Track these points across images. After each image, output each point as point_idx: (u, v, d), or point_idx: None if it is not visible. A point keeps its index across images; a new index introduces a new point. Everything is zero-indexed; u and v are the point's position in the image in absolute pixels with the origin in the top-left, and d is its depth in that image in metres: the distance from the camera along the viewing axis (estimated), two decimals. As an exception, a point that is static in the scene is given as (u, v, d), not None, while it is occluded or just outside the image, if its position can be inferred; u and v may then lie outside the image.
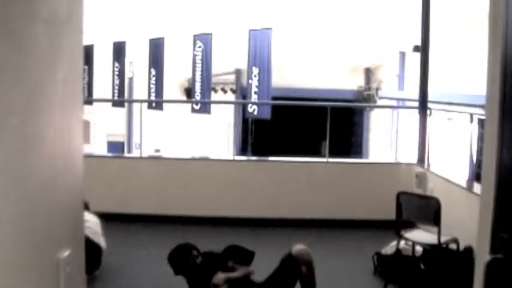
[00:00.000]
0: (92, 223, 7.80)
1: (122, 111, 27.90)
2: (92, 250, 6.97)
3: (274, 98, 19.13)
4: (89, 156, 10.59)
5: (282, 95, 21.24)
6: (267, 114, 18.34)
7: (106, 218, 9.53)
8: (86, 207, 8.08)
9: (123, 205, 9.74)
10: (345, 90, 25.23)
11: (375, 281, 7.92)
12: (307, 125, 25.50)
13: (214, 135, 26.69)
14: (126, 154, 12.09)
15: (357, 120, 27.58)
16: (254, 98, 17.86)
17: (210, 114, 19.97)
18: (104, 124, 28.60)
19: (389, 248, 7.98)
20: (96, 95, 24.25)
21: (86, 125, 29.49)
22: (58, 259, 2.58)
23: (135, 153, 29.54)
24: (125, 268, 8.05)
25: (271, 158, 10.58)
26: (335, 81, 25.48)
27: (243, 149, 28.32)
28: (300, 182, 9.87)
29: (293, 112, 26.02)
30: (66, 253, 2.63)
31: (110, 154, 11.90)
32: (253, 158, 12.10)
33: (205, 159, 10.34)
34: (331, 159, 10.21)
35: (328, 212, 9.77)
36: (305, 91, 24.38)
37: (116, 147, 29.17)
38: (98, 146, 29.13)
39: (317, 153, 24.64)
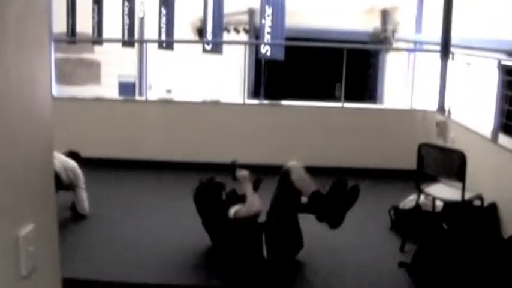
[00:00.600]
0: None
1: (133, 52, 27.37)
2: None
3: (288, 39, 18.44)
4: (94, 100, 10.06)
5: (296, 35, 20.44)
6: (280, 55, 17.75)
7: (110, 164, 9.07)
8: (77, 158, 7.60)
9: (129, 151, 9.23)
10: (360, 31, 24.30)
11: (391, 237, 7.33)
12: (321, 67, 24.76)
13: (226, 77, 26.05)
14: (132, 97, 11.49)
15: (372, 63, 26.69)
16: (267, 38, 17.26)
17: (221, 55, 19.32)
18: (114, 65, 28.14)
19: (407, 202, 7.44)
20: (106, 35, 23.74)
21: (97, 65, 29.13)
22: (17, 236, 2.14)
23: (148, 93, 29.31)
24: (125, 217, 7.56)
25: (283, 102, 9.99)
26: (350, 22, 24.49)
27: (255, 92, 27.70)
28: (313, 128, 9.29)
29: (307, 54, 25.20)
30: (29, 228, 2.19)
31: (116, 97, 11.30)
32: (265, 102, 11.41)
33: (215, 103, 9.75)
34: (346, 104, 9.61)
35: (342, 160, 9.20)
36: (319, 32, 23.42)
37: (127, 88, 28.69)
38: (108, 87, 28.75)
39: (331, 96, 24.10)
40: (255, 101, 9.99)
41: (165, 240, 6.80)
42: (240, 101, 9.86)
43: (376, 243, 7.20)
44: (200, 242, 6.50)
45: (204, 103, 9.76)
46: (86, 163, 7.95)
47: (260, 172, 6.97)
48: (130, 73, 28.52)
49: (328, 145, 9.23)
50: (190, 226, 6.73)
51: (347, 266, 6.45)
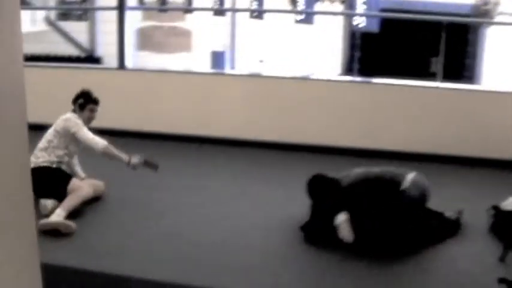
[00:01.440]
0: None
1: (224, 21, 26.70)
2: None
3: (383, 10, 17.26)
4: (177, 72, 9.29)
5: (392, 6, 19.17)
6: (374, 27, 16.68)
7: (181, 140, 8.30)
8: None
9: (206, 127, 8.43)
10: (460, 4, 22.74)
11: (489, 242, 6.06)
12: (417, 40, 23.25)
13: (318, 49, 24.96)
14: (215, 70, 10.62)
15: (471, 38, 24.94)
16: (362, 8, 16.19)
17: (313, 25, 18.29)
18: (206, 34, 27.54)
19: (511, 202, 6.33)
20: (196, 4, 23.18)
21: (188, 34, 28.62)
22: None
23: (238, 63, 28.59)
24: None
25: (375, 80, 8.96)
26: None
27: (349, 66, 26.52)
28: (406, 109, 8.20)
29: (402, 26, 23.73)
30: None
31: (198, 70, 10.38)
32: (356, 79, 10.22)
33: (303, 79, 8.74)
34: (442, 84, 8.51)
35: (436, 146, 8.13)
36: (417, 3, 22.04)
37: (218, 57, 28.06)
38: (200, 57, 28.22)
39: (426, 71, 22.72)
40: (345, 78, 8.85)
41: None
42: (329, 77, 8.83)
43: (470, 249, 5.95)
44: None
45: (291, 79, 8.80)
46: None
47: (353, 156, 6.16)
48: (222, 42, 27.84)
49: (422, 129, 8.12)
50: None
51: (431, 279, 5.30)
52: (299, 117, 8.24)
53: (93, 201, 6.34)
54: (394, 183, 5.71)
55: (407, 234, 5.56)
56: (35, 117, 9.04)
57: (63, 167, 6.19)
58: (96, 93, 8.73)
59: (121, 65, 8.78)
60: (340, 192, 5.72)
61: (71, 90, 8.86)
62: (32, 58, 29.29)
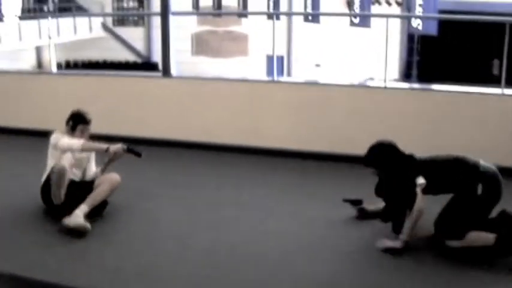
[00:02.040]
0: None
1: (280, 25, 26.29)
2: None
3: (442, 12, 16.52)
4: (217, 80, 8.83)
5: (451, 8, 18.38)
6: (433, 30, 16.03)
7: (224, 150, 7.80)
8: None
9: (253, 137, 7.89)
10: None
11: None
12: (478, 42, 22.36)
13: (375, 52, 24.28)
14: (256, 77, 9.92)
15: None
16: (419, 11, 15.54)
17: (369, 28, 17.67)
18: (262, 38, 27.14)
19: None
20: (251, 8, 22.84)
21: (244, 39, 28.28)
22: None
23: (295, 67, 28.09)
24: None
25: (433, 87, 8.20)
26: None
27: (407, 71, 25.75)
28: (467, 118, 7.45)
29: (462, 27, 22.88)
30: None
31: (247, 78, 9.75)
32: (415, 85, 9.27)
33: (351, 86, 8.03)
34: (507, 91, 7.71)
35: (501, 159, 7.36)
36: (477, 4, 21.11)
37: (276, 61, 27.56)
38: (256, 61, 27.82)
39: (488, 74, 21.87)
40: (399, 84, 8.09)
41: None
42: (385, 85, 8.06)
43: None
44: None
45: (337, 86, 8.08)
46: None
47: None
48: (278, 46, 27.36)
49: (483, 141, 7.34)
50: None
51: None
52: (353, 127, 7.63)
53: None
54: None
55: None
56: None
57: (72, 176, 5.91)
58: (139, 102, 8.41)
59: (166, 72, 8.33)
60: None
61: (114, 98, 8.54)
62: (89, 64, 29.43)
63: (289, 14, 25.14)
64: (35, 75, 9.62)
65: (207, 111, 8.08)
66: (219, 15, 25.41)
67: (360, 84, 8.31)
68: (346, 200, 5.74)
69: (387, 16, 8.20)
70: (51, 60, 9.66)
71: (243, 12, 21.88)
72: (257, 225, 5.60)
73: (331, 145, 7.56)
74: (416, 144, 6.54)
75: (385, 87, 7.64)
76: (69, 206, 5.44)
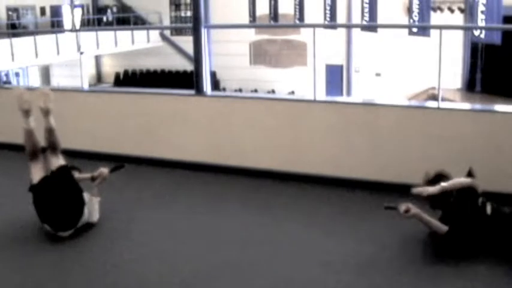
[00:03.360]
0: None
1: (340, 33, 25.41)
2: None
3: (508, 19, 15.31)
4: (258, 98, 7.99)
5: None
6: (497, 39, 14.85)
7: (257, 175, 6.96)
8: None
9: (289, 162, 7.00)
10: None
11: None
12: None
13: (436, 61, 23.14)
14: (296, 97, 8.66)
15: None
16: (481, 18, 14.43)
17: (429, 37, 16.57)
18: (322, 47, 26.25)
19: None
20: (307, 15, 22.04)
21: (303, 47, 27.39)
22: None
23: (354, 76, 27.07)
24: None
25: (496, 108, 7.00)
26: None
27: (470, 83, 24.45)
28: None
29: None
30: None
31: (287, 97, 8.65)
32: (477, 107, 7.81)
33: (391, 106, 6.88)
34: None
35: None
36: None
37: (334, 70, 26.72)
38: (316, 71, 26.95)
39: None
40: (453, 105, 6.88)
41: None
42: (433, 105, 6.93)
43: None
44: None
45: (382, 106, 6.93)
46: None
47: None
48: (337, 55, 26.47)
49: None
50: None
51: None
52: (398, 153, 6.67)
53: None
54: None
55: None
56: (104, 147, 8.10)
57: None
58: (169, 122, 7.65)
59: (199, 90, 7.53)
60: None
61: (143, 117, 7.79)
62: (147, 74, 29.03)
63: (338, 26, 24.19)
64: (67, 93, 8.92)
65: (240, 133, 7.28)
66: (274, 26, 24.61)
67: (411, 105, 7.24)
68: (387, 207, 5.23)
69: (440, 27, 7.08)
70: (82, 76, 8.99)
71: (289, 24, 20.99)
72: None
73: (378, 172, 6.66)
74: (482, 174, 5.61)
75: (439, 108, 6.62)
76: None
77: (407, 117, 6.68)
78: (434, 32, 15.86)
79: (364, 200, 6.34)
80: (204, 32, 7.56)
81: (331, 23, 20.28)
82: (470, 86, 24.33)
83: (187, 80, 26.67)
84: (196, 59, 7.60)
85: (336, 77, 26.40)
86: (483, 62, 23.96)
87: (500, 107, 6.87)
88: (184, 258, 5.00)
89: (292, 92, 26.27)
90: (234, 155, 7.31)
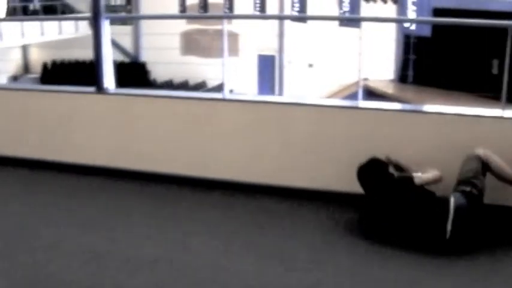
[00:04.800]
0: None
1: (271, 23, 24.82)
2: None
3: (438, 11, 14.90)
4: (164, 97, 7.17)
5: (447, 5, 16.70)
6: (426, 31, 14.49)
7: (162, 181, 6.24)
8: None
9: (194, 167, 6.28)
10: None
11: None
12: (477, 43, 20.55)
13: (368, 52, 22.69)
14: (204, 95, 8.02)
15: None
16: (412, 9, 14.01)
17: (359, 28, 16.04)
18: (254, 37, 25.66)
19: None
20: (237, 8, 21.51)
21: (235, 37, 26.68)
22: None
23: (286, 67, 26.50)
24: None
25: (426, 108, 6.41)
26: None
27: (402, 74, 24.13)
28: (462, 145, 5.72)
29: (460, 27, 21.04)
30: None
31: (196, 95, 7.77)
32: (392, 106, 6.94)
33: (308, 105, 6.18)
34: (508, 113, 5.97)
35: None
36: (474, 1, 19.22)
37: (266, 61, 26.14)
38: (247, 60, 26.33)
39: (488, 75, 20.26)
40: (372, 104, 6.20)
41: None
42: (354, 104, 6.29)
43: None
44: None
45: (294, 104, 6.21)
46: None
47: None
48: (269, 46, 25.91)
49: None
50: None
51: None
52: (313, 156, 6.02)
53: None
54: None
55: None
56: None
57: None
58: (68, 123, 6.85)
59: (99, 87, 6.75)
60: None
61: (36, 117, 6.97)
62: (76, 64, 27.91)
63: (267, 18, 23.66)
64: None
65: (144, 134, 6.54)
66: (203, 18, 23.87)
67: (328, 104, 6.53)
68: None
69: (363, 19, 6.47)
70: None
71: (243, 16, 20.29)
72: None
73: (292, 177, 6.01)
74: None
75: (358, 107, 6.01)
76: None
77: (324, 117, 6.02)
78: (367, 23, 15.41)
79: (273, 209, 5.71)
80: (104, 23, 6.77)
81: (258, 14, 19.64)
82: (402, 77, 24.06)
83: (119, 71, 25.80)
84: (97, 53, 6.79)
85: (268, 68, 25.85)
86: (416, 54, 23.67)
87: (423, 107, 6.31)
88: None
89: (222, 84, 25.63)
90: (138, 158, 6.56)
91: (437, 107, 6.37)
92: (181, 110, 6.51)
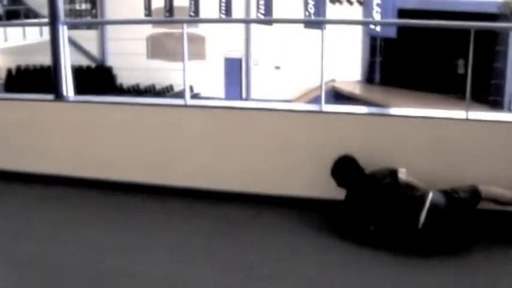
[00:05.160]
0: None
1: (237, 26, 24.73)
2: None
3: (403, 11, 14.90)
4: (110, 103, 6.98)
5: (411, 6, 16.72)
6: (391, 33, 14.46)
7: (124, 189, 6.07)
8: None
9: (155, 174, 6.13)
10: (487, 1, 20.06)
11: None
12: (443, 43, 20.66)
13: (335, 54, 22.63)
14: (166, 101, 7.76)
15: (499, 50, 20.48)
16: (377, 11, 13.97)
17: (324, 30, 16.00)
18: (220, 40, 25.54)
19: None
20: (203, 7, 21.32)
21: (201, 40, 26.56)
22: None
23: (253, 70, 26.39)
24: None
25: (393, 111, 6.36)
26: None
27: (369, 75, 24.22)
28: (424, 149, 5.64)
29: (426, 28, 21.12)
30: None
31: (156, 102, 7.47)
32: (360, 110, 6.72)
33: (271, 110, 6.02)
34: (472, 115, 5.90)
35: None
36: (438, 2, 19.27)
37: (233, 64, 26.03)
38: (214, 63, 26.18)
39: (453, 74, 20.39)
40: (336, 108, 6.09)
41: None
42: (317, 108, 6.21)
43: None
44: None
45: (257, 109, 6.05)
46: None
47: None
48: (237, 48, 25.82)
49: (446, 172, 5.63)
50: None
51: None
52: (276, 162, 5.91)
53: None
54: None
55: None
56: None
57: None
58: (27, 132, 6.65)
59: (58, 95, 6.58)
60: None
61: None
62: (41, 70, 27.52)
63: (232, 21, 23.56)
64: None
65: (104, 142, 6.38)
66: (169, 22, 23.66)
67: (291, 109, 6.39)
68: None
69: (328, 22, 6.42)
70: None
71: (209, 20, 20.16)
72: None
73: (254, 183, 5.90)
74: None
75: (321, 111, 5.93)
76: None
77: (287, 122, 5.93)
78: (331, 26, 15.37)
79: (236, 216, 5.60)
80: (62, 29, 6.60)
81: (223, 18, 19.54)
82: (369, 79, 24.14)
83: (85, 76, 25.49)
84: (55, 60, 6.62)
85: (235, 71, 25.75)
86: (382, 55, 23.75)
87: (387, 110, 6.25)
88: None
89: (191, 87, 25.48)
90: (98, 167, 6.39)
91: (402, 109, 6.33)
92: (142, 117, 6.36)
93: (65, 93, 6.60)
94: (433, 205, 4.73)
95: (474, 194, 4.88)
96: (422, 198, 4.80)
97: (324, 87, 6.17)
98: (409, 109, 6.40)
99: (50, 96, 6.66)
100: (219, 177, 6.05)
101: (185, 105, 6.30)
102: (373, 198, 5.00)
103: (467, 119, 5.65)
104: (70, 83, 6.69)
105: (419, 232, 4.70)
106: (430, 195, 4.79)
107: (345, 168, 5.22)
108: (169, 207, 5.85)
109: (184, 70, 6.68)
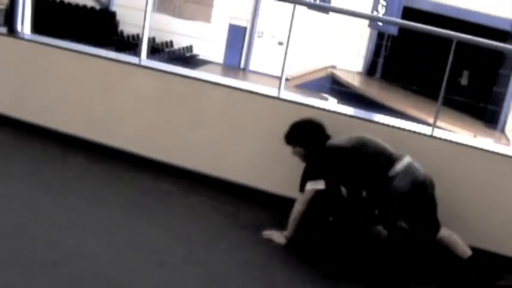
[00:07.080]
0: None
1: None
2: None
3: (407, 10, 14.48)
4: (77, 52, 6.51)
5: (427, 8, 16.19)
6: (393, 30, 14.09)
7: (63, 140, 5.71)
8: None
9: (96, 132, 5.70)
10: (501, 18, 19.42)
11: None
12: (448, 54, 20.10)
13: (339, 38, 22.14)
14: (121, 57, 7.27)
15: (503, 73, 18.73)
16: (383, 5, 13.59)
17: (327, 14, 15.72)
18: (228, 6, 25.05)
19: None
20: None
21: (209, 2, 26.03)
22: None
23: (256, 41, 25.87)
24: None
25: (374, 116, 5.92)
26: (491, 6, 19.37)
27: (371, 68, 23.74)
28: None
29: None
30: None
31: (108, 55, 6.88)
32: (307, 101, 6.25)
33: (226, 86, 5.50)
34: (438, 132, 5.43)
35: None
36: (450, 9, 18.72)
37: (237, 32, 25.53)
38: (218, 27, 25.67)
39: (455, 84, 19.94)
40: (295, 97, 5.69)
41: None
42: (275, 94, 5.79)
43: None
44: None
45: (209, 82, 5.61)
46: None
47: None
48: (243, 16, 25.34)
49: None
50: None
51: None
52: (221, 142, 5.55)
53: None
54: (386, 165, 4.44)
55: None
56: None
57: None
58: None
59: (11, 29, 6.18)
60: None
61: None
62: (43, 4, 26.95)
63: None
64: None
65: (49, 88, 6.00)
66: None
67: (245, 89, 5.95)
68: None
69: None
70: None
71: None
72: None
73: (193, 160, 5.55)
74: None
75: (278, 98, 5.54)
76: None
77: (240, 102, 5.55)
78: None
79: (163, 189, 5.24)
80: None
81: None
82: (370, 71, 23.68)
83: (85, 17, 24.96)
84: (12, -8, 6.21)
85: (238, 38, 25.31)
86: (388, 49, 23.26)
87: (360, 113, 5.80)
88: None
89: (190, 47, 25.08)
90: (40, 112, 6.02)
91: (367, 113, 5.94)
92: (95, 69, 5.95)
93: (19, 29, 6.20)
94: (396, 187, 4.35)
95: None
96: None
97: (284, 74, 5.73)
98: (377, 115, 6.03)
99: (3, 30, 6.26)
100: (159, 146, 5.67)
101: (139, 65, 5.90)
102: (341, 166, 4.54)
103: (431, 136, 5.29)
104: (28, 19, 6.28)
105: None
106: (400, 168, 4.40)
107: (308, 132, 4.74)
108: (97, 168, 5.47)
109: (144, 27, 6.26)
